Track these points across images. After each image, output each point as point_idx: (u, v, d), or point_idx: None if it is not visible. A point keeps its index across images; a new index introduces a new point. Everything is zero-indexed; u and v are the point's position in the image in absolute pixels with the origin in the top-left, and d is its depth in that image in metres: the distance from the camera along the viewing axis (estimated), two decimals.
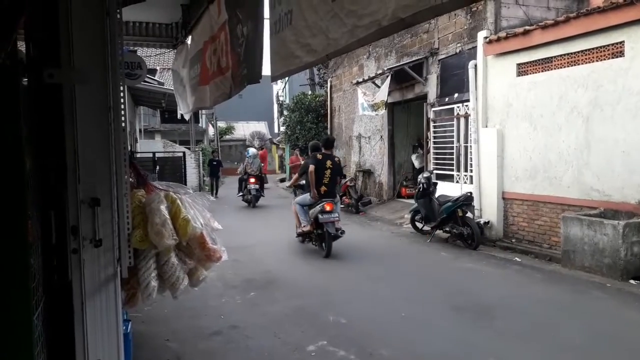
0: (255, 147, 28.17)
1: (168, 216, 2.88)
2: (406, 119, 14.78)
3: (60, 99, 2.33)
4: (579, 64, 7.88)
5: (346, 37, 1.90)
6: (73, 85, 2.33)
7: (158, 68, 25.54)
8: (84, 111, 2.36)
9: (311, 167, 8.54)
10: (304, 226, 8.78)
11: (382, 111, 12.67)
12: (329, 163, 8.61)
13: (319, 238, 8.71)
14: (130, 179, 2.98)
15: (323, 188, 8.55)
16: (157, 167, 13.21)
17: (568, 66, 8.06)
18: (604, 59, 7.49)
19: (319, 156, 8.70)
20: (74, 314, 2.36)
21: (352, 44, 1.92)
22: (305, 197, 8.82)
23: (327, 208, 8.29)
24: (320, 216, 8.29)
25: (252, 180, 15.58)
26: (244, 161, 16.51)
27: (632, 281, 6.61)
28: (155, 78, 17.51)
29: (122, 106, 2.61)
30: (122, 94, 2.60)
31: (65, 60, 2.32)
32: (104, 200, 2.43)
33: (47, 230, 2.31)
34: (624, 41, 7.18)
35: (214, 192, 18.99)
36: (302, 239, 9.29)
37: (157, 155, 14.36)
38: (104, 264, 2.47)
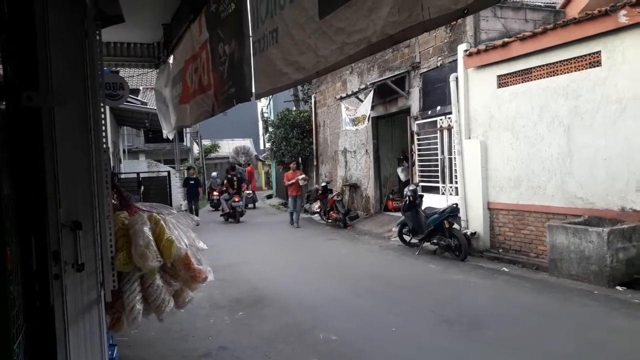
0: (241, 164, 27.87)
1: (152, 238, 2.84)
2: (390, 133, 14.86)
3: (39, 122, 2.30)
4: (558, 74, 8.00)
5: (336, 54, 1.92)
6: (52, 107, 2.30)
7: (141, 88, 25.45)
8: (64, 134, 2.34)
9: (225, 181, 17.29)
10: (226, 210, 16.71)
11: (363, 125, 12.70)
12: (235, 178, 17.11)
13: (233, 215, 16.34)
14: (113, 201, 2.94)
15: (233, 190, 16.73)
16: (142, 188, 13.09)
17: (548, 76, 8.18)
18: (582, 69, 7.62)
19: (229, 175, 17.33)
20: (56, 340, 2.31)
21: (342, 61, 1.93)
22: (225, 195, 16.80)
23: (236, 199, 16.43)
24: (233, 204, 16.34)
25: (215, 193, 19.89)
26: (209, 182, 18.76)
27: (618, 287, 6.66)
28: (138, 98, 17.48)
29: (103, 127, 2.59)
30: (102, 115, 2.58)
31: (43, 83, 2.30)
32: (86, 224, 2.40)
33: (28, 255, 2.26)
34: (600, 51, 7.32)
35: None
36: (225, 217, 16.78)
37: (141, 175, 14.27)
38: (87, 289, 2.42)
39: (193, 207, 16.84)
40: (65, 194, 2.33)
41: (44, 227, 2.30)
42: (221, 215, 17.24)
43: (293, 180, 14.99)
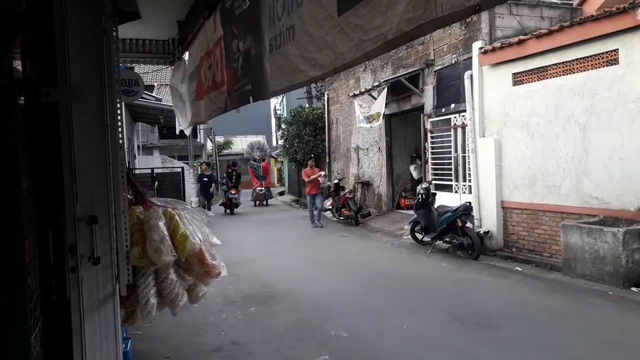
0: (255, 159, 26.82)
1: (166, 232, 2.87)
2: (403, 130, 14.82)
3: (57, 118, 2.33)
4: (574, 73, 7.91)
5: (353, 51, 1.93)
6: (70, 103, 2.33)
7: (155, 84, 25.64)
8: (81, 129, 2.37)
9: (225, 175, 18.99)
10: (224, 200, 18.25)
11: (377, 123, 12.66)
12: (234, 173, 18.37)
13: (229, 205, 17.80)
14: (129, 196, 2.97)
15: (232, 184, 18.02)
16: (156, 183, 13.20)
17: (563, 75, 8.09)
18: (599, 67, 7.53)
19: (230, 170, 18.85)
20: (72, 332, 2.34)
21: (359, 58, 1.95)
22: (224, 187, 17.95)
23: (233, 192, 17.79)
24: (229, 195, 17.74)
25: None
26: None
27: (633, 289, 6.58)
28: (153, 94, 17.56)
29: (120, 123, 2.62)
30: (119, 111, 2.61)
31: (61, 79, 2.33)
32: (102, 218, 2.43)
33: (45, 249, 2.30)
34: (618, 49, 7.22)
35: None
36: (224, 207, 18.18)
37: (155, 171, 14.38)
38: (102, 282, 2.46)
39: (206, 206, 16.37)
40: (82, 188, 2.37)
41: (61, 221, 2.33)
42: (220, 205, 18.92)
43: (312, 177, 14.40)
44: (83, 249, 2.36)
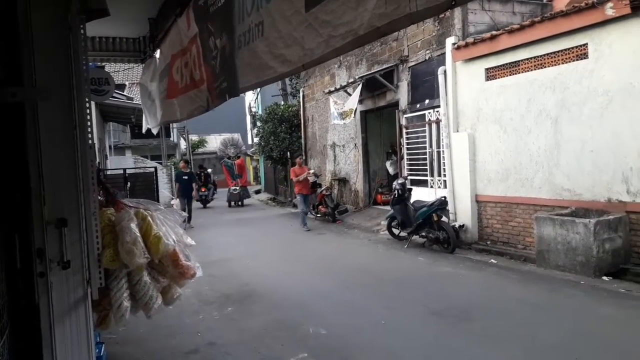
0: (230, 156, 25.85)
1: (139, 234, 2.81)
2: (379, 127, 14.88)
3: (23, 118, 2.26)
4: (545, 67, 8.04)
5: (322, 47, 1.91)
6: (36, 103, 2.26)
7: (127, 83, 25.21)
8: (48, 130, 2.30)
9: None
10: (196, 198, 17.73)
11: (350, 119, 12.69)
12: (202, 174, 20.73)
13: (202, 202, 19.96)
14: (99, 197, 2.90)
15: (201, 183, 19.16)
16: (129, 184, 12.99)
17: (535, 69, 8.22)
18: (569, 61, 7.67)
19: (199, 172, 20.70)
20: (42, 339, 2.28)
21: (328, 54, 1.93)
22: (195, 185, 15.58)
23: (202, 190, 19.49)
24: (200, 193, 18.75)
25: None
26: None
27: (604, 278, 6.73)
28: (124, 93, 17.24)
29: (89, 123, 2.55)
30: (88, 111, 2.54)
31: (27, 79, 2.26)
32: (72, 221, 2.36)
33: (12, 253, 2.22)
34: (587, 43, 7.36)
35: (187, 218, 13.38)
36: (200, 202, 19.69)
37: (128, 171, 14.13)
38: (73, 286, 2.39)
39: (186, 208, 14.02)
40: (50, 191, 2.30)
41: (28, 224, 2.26)
42: (197, 201, 19.14)
43: (302, 177, 13.39)
44: (52, 252, 2.29)
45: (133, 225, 2.81)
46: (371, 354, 4.63)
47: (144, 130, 6.64)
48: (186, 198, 14.41)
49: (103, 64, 10.23)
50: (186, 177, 14.62)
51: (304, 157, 14.38)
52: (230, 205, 20.69)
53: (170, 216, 3.11)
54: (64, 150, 2.36)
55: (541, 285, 6.69)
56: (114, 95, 10.21)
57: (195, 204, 17.72)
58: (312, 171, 14.13)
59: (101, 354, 3.38)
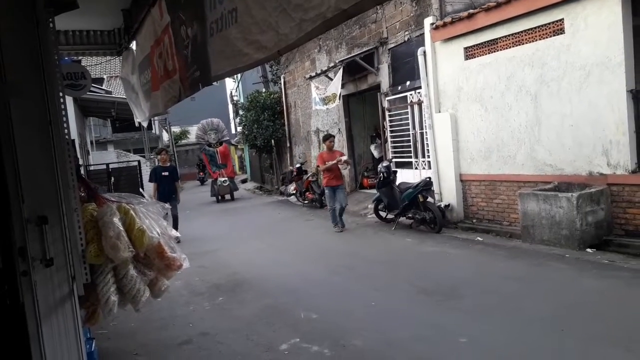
0: (210, 144, 21.12)
1: (122, 228, 2.79)
2: (362, 110, 14.86)
3: None
4: (523, 44, 8.07)
5: (295, 32, 1.90)
6: (7, 100, 2.22)
7: (105, 76, 24.88)
8: (21, 126, 2.26)
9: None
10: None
11: (334, 104, 12.59)
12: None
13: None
14: (81, 193, 2.88)
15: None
16: (112, 179, 12.87)
17: (513, 46, 8.24)
18: (547, 37, 7.70)
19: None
20: (29, 338, 2.26)
21: (301, 38, 1.92)
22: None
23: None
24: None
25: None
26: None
27: (588, 250, 6.84)
28: (103, 87, 17.01)
29: (64, 119, 2.51)
30: (62, 106, 2.50)
31: None
32: (52, 218, 2.34)
33: None
34: (563, 18, 7.39)
35: (173, 224, 10.11)
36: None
37: (111, 166, 14.00)
38: (57, 284, 2.37)
39: (170, 212, 9.22)
40: (28, 188, 2.26)
41: (8, 223, 2.23)
42: None
43: (330, 164, 10.09)
44: (34, 251, 2.26)
45: (116, 220, 2.80)
46: (362, 335, 4.68)
47: (136, 124, 6.58)
48: (169, 200, 9.75)
49: (79, 58, 10.06)
50: (166, 174, 10.70)
51: (333, 139, 10.87)
52: (218, 200, 18.46)
53: (152, 208, 3.09)
54: (39, 147, 2.33)
55: (527, 260, 6.79)
56: (92, 89, 10.06)
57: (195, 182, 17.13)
58: (344, 157, 10.48)
59: (92, 349, 3.37)
